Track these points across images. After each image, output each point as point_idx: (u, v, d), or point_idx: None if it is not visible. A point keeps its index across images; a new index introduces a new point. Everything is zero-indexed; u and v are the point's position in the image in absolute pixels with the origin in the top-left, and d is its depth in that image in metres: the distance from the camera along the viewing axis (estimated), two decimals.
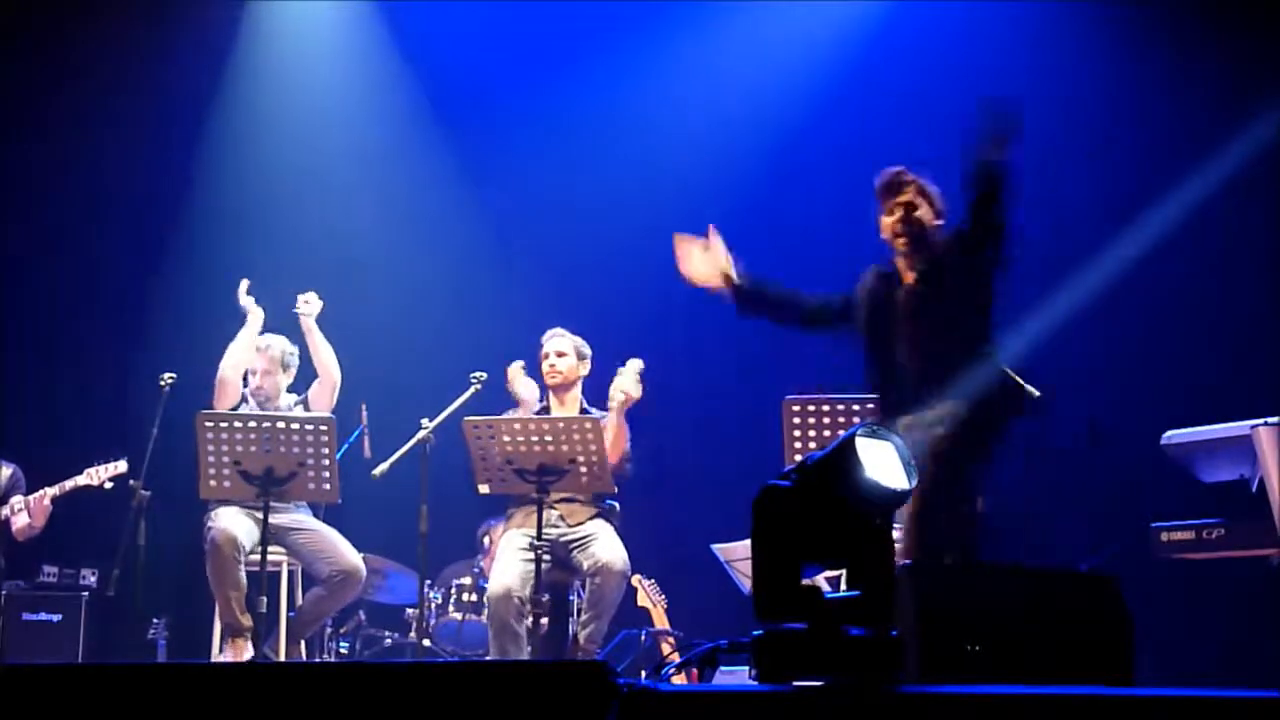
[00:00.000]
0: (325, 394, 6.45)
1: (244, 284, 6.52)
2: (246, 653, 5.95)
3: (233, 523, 6.11)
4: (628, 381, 6.14)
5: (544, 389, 6.41)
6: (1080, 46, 7.91)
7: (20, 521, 6.76)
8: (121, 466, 6.73)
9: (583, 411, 6.24)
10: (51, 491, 6.80)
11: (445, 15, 8.45)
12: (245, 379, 6.48)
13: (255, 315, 6.47)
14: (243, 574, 6.06)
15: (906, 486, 2.82)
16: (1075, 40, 7.90)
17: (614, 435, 6.07)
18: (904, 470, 2.83)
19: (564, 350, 6.34)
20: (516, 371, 6.43)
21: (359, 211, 8.32)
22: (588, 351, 6.41)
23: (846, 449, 2.80)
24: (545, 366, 6.34)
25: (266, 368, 6.45)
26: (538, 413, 6.31)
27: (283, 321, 6.59)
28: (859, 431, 2.84)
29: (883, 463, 2.82)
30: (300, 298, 6.50)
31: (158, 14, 8.16)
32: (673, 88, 8.27)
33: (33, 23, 8.05)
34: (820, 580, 5.55)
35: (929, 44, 8.05)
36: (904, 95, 8.01)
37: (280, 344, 6.50)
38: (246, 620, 6.00)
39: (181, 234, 8.20)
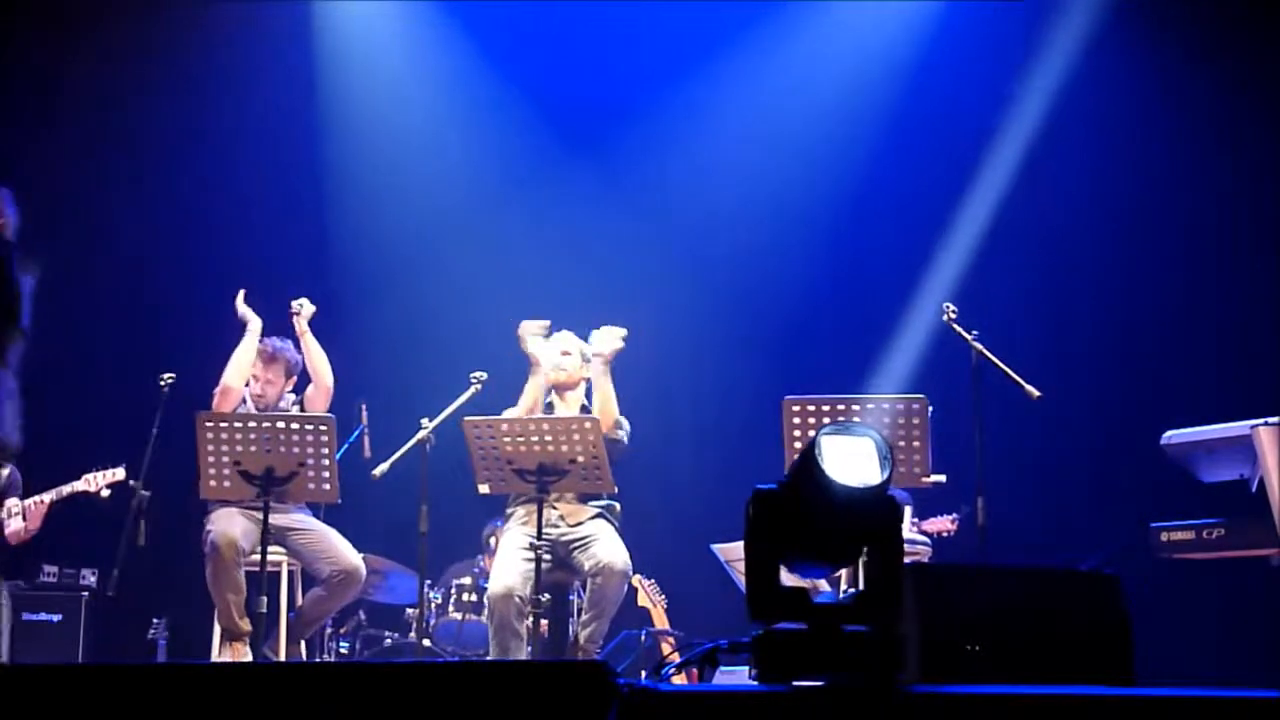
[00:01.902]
0: (319, 399, 6.44)
1: (241, 294, 6.48)
2: (245, 657, 5.93)
3: (232, 525, 6.08)
4: (600, 339, 6.18)
5: (548, 388, 6.42)
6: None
7: (14, 525, 6.73)
8: (119, 474, 6.67)
9: (584, 411, 6.24)
10: (48, 497, 6.75)
11: (459, 14, 8.47)
12: (246, 382, 6.47)
13: (255, 324, 6.44)
14: (242, 577, 6.05)
15: (877, 481, 2.76)
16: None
17: (601, 397, 6.12)
18: (877, 464, 2.77)
19: (568, 349, 6.36)
20: (531, 330, 6.25)
21: (358, 212, 8.31)
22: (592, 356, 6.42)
23: (811, 449, 2.76)
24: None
25: (271, 377, 6.42)
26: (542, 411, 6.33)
27: (283, 325, 6.57)
28: (825, 430, 2.79)
29: (850, 459, 2.76)
30: (294, 303, 6.47)
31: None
32: (683, 99, 8.29)
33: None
34: (822, 583, 5.57)
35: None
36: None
37: (289, 353, 6.47)
38: (245, 625, 5.99)
39: (180, 233, 8.19)
